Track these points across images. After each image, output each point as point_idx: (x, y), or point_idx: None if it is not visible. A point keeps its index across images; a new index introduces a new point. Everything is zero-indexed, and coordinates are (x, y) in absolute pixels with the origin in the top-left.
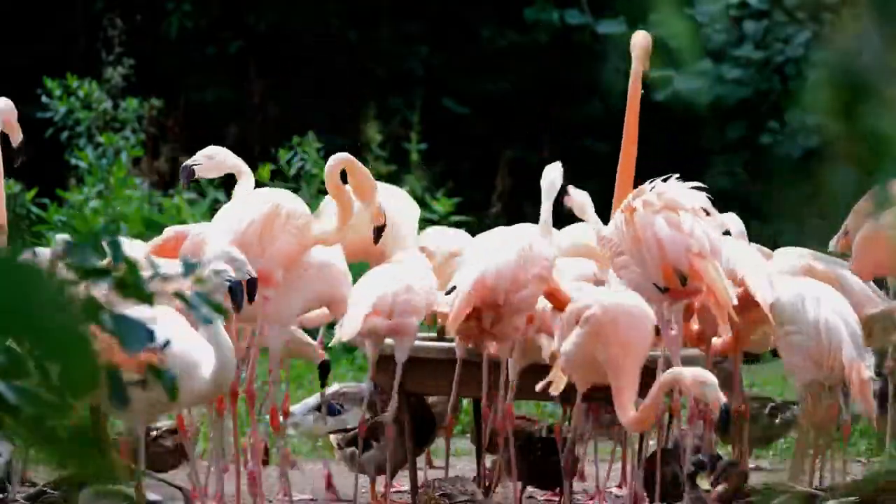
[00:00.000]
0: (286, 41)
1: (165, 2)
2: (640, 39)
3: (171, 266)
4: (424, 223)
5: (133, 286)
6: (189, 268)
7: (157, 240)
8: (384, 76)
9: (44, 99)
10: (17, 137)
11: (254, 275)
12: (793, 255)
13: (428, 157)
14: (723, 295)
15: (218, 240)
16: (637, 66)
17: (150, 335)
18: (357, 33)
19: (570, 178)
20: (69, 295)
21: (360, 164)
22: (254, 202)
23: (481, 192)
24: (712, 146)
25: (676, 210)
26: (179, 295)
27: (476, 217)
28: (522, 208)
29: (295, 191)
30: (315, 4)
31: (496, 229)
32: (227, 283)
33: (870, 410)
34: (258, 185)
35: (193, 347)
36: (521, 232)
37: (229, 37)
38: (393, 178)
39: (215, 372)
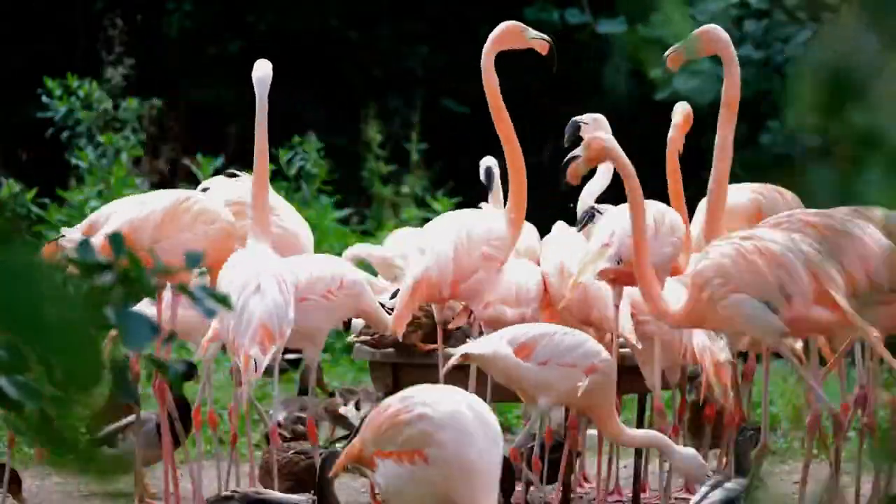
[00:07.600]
0: (286, 41)
1: (166, 2)
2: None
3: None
4: (424, 223)
5: (136, 280)
6: (192, 260)
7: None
8: (384, 76)
9: (44, 99)
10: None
11: None
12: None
13: (428, 157)
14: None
15: (115, 221)
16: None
17: (154, 329)
18: (357, 33)
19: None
20: (72, 290)
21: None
22: (164, 194)
23: (481, 192)
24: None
25: None
26: (183, 287)
27: None
28: None
29: (295, 191)
30: (315, 4)
31: (442, 217)
32: None
33: (724, 394)
34: None
35: None
36: (461, 218)
37: (229, 37)
38: (393, 178)
39: None
